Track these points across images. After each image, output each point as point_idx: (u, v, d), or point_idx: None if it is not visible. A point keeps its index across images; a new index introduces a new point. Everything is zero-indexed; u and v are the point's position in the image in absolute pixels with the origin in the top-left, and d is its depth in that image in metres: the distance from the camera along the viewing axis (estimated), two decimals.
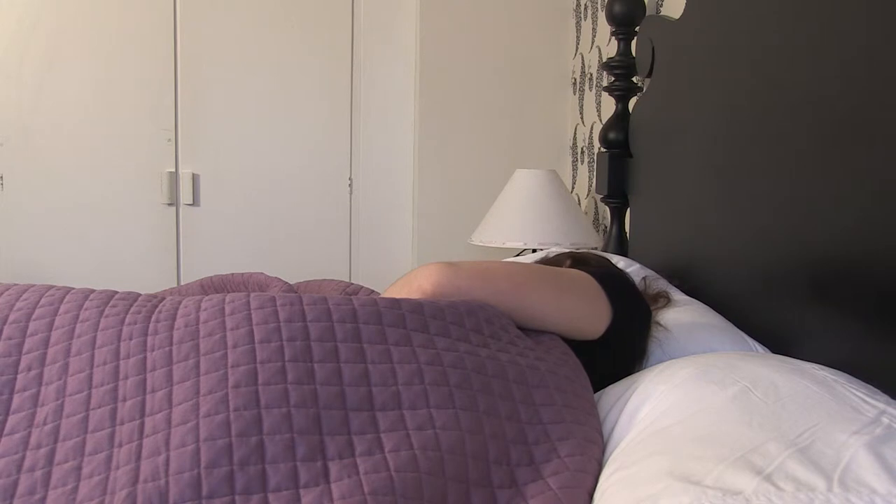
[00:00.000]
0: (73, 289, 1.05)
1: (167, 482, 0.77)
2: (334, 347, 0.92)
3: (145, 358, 0.92)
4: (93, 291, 1.04)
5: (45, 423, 0.87)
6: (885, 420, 0.82)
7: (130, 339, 0.95)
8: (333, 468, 0.81)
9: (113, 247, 2.91)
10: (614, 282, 1.22)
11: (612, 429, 1.00)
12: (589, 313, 1.17)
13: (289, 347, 0.90)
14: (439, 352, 0.95)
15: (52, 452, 0.84)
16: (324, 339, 0.92)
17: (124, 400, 0.88)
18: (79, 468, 0.81)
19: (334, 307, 0.96)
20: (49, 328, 0.97)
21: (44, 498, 0.78)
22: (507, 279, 1.14)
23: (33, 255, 2.88)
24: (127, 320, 0.97)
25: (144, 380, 0.90)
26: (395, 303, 0.99)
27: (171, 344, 0.93)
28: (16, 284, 1.09)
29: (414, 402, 0.88)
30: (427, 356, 0.94)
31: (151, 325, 0.96)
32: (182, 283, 2.83)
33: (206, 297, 1.02)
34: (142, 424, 0.84)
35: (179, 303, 1.01)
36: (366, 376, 0.90)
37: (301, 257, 2.96)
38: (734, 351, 1.28)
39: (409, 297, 1.08)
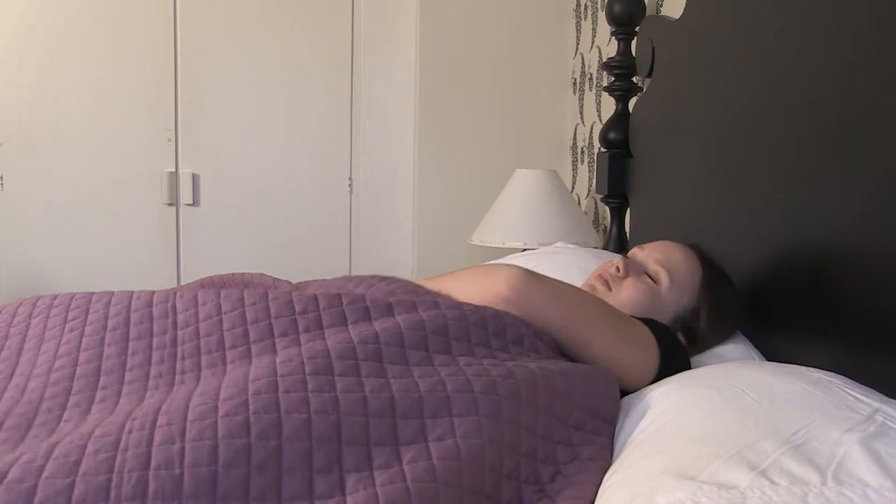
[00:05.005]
0: (85, 323, 1.07)
1: (182, 473, 0.75)
2: (355, 364, 0.92)
3: (172, 379, 0.98)
4: (106, 329, 1.06)
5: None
6: (879, 417, 0.83)
7: (161, 376, 0.98)
8: (350, 480, 0.80)
9: (113, 247, 2.90)
10: (672, 348, 1.20)
11: (617, 435, 1.00)
12: (638, 369, 1.14)
13: (309, 364, 0.91)
14: (462, 367, 0.95)
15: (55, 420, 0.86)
16: (345, 356, 0.93)
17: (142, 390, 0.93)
18: (83, 447, 0.79)
19: (355, 334, 0.97)
20: (71, 378, 0.99)
21: (43, 466, 0.76)
22: (582, 310, 1.12)
23: (33, 255, 2.88)
24: (154, 358, 1.01)
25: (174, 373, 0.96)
26: (419, 324, 0.99)
27: (199, 353, 0.99)
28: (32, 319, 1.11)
29: (436, 411, 0.87)
30: (449, 370, 0.94)
31: (179, 350, 1.00)
32: (182, 283, 2.83)
33: (224, 292, 1.05)
34: (154, 420, 0.83)
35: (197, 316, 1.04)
36: (388, 386, 0.89)
37: (301, 257, 2.96)
38: (735, 360, 1.28)
39: (482, 295, 1.07)
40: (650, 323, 1.22)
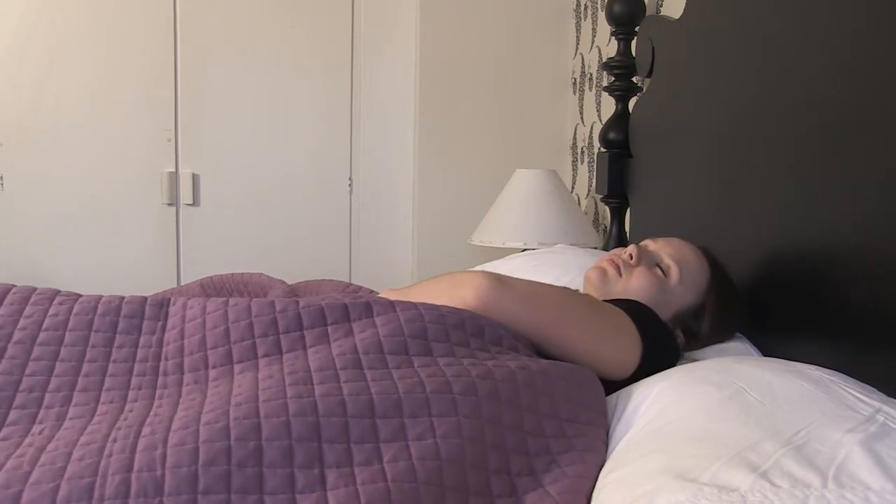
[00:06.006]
0: (75, 302, 1.07)
1: (163, 474, 0.78)
2: (334, 374, 0.93)
3: (155, 380, 0.98)
4: (96, 312, 1.06)
5: (41, 433, 0.89)
6: (880, 418, 0.83)
7: (144, 374, 0.99)
8: (330, 476, 0.81)
9: (113, 247, 2.90)
10: (655, 334, 1.20)
11: (612, 430, 1.00)
12: (618, 361, 1.14)
13: (290, 377, 0.92)
14: (442, 367, 0.96)
15: (47, 440, 0.86)
16: (324, 368, 0.94)
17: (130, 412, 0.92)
18: (69, 454, 0.82)
19: (335, 345, 0.98)
20: (55, 357, 1.00)
21: (29, 472, 0.79)
22: (556, 310, 1.12)
23: (33, 255, 2.87)
24: (139, 355, 1.01)
25: (152, 400, 0.96)
26: (398, 329, 1.00)
27: (181, 372, 0.99)
28: (14, 287, 1.10)
29: (415, 411, 0.88)
30: (429, 371, 0.95)
31: (162, 365, 1.00)
32: (182, 283, 2.83)
33: (211, 304, 1.05)
34: (139, 431, 0.85)
35: (183, 327, 1.04)
36: (367, 389, 0.90)
37: (301, 257, 2.96)
38: (733, 356, 1.28)
39: (450, 304, 1.07)
40: (633, 307, 1.21)
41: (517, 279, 1.16)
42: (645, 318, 1.20)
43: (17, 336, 1.01)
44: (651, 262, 1.34)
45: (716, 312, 1.32)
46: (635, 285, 1.31)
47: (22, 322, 1.03)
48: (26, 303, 1.07)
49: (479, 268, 1.93)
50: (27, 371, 0.97)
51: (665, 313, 1.29)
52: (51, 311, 1.05)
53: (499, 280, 1.11)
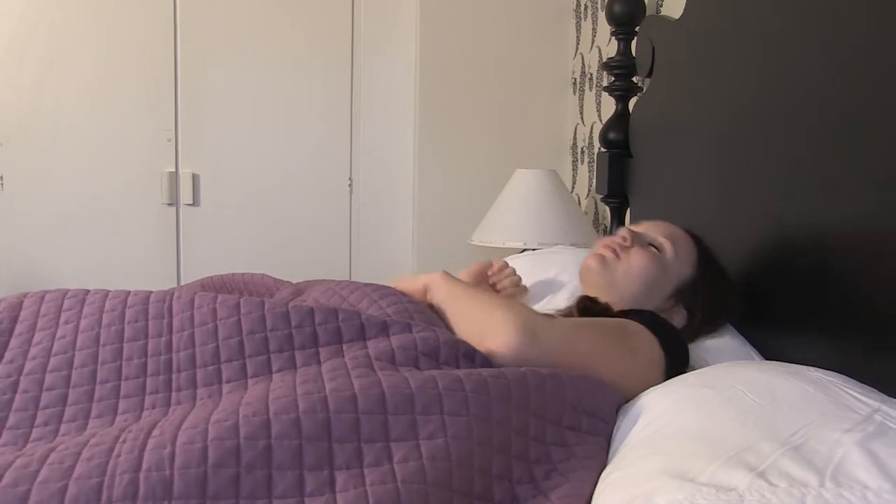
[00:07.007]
0: (80, 317, 1.07)
1: (171, 475, 0.77)
2: (345, 372, 0.93)
3: (169, 396, 0.98)
4: (101, 325, 1.06)
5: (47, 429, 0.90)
6: (878, 417, 0.83)
7: (157, 392, 0.99)
8: (340, 478, 0.80)
9: (113, 247, 2.91)
10: (674, 348, 1.20)
11: (614, 434, 1.00)
12: (646, 384, 1.11)
13: (301, 387, 0.92)
14: (453, 370, 0.96)
15: (54, 434, 0.87)
16: (335, 369, 0.94)
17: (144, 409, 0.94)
18: (78, 453, 0.81)
19: (349, 357, 0.98)
20: (66, 384, 1.00)
21: (37, 471, 0.78)
22: (584, 358, 1.08)
23: (33, 255, 2.88)
24: (150, 368, 1.01)
25: (168, 397, 0.97)
26: (412, 343, 1.00)
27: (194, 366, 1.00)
28: (21, 314, 1.10)
29: (427, 407, 0.88)
30: (440, 372, 0.94)
31: (174, 379, 1.00)
32: (182, 283, 2.83)
33: (221, 308, 1.05)
34: (149, 432, 0.85)
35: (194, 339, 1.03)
36: (378, 384, 0.90)
37: (301, 257, 2.96)
38: (732, 361, 1.28)
39: (479, 348, 1.04)
40: (650, 320, 1.21)
41: (552, 325, 1.11)
42: (663, 331, 1.20)
43: (28, 367, 1.01)
44: (643, 242, 1.36)
45: (709, 284, 1.35)
46: (636, 264, 1.32)
47: (32, 351, 1.03)
48: (34, 330, 1.06)
49: None
50: (41, 404, 0.97)
51: (667, 289, 1.32)
52: (58, 334, 1.05)
53: (532, 335, 1.06)
